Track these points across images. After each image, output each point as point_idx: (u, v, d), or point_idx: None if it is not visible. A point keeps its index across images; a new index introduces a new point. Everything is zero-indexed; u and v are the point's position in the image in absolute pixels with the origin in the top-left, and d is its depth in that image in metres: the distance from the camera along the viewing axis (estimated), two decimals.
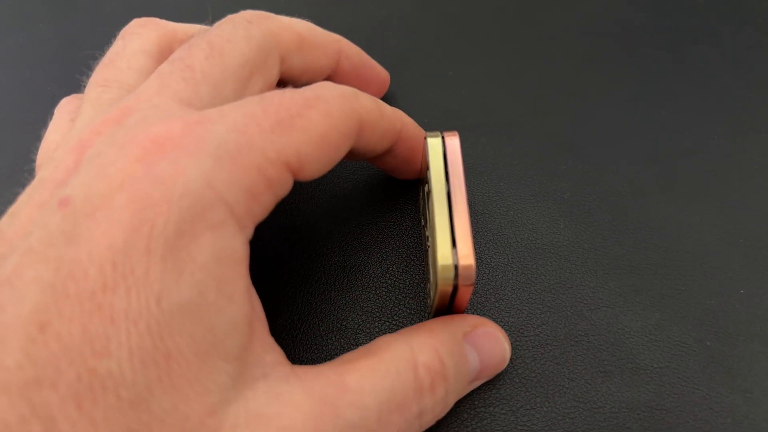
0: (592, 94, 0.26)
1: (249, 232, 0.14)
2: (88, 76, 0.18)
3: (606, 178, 0.24)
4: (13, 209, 0.14)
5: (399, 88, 0.27)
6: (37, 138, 0.25)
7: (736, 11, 0.29)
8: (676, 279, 0.21)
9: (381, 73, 0.23)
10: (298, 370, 0.14)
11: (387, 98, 0.26)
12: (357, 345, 0.20)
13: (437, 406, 0.16)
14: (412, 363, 0.15)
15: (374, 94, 0.23)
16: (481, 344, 0.18)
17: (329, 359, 0.19)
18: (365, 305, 0.21)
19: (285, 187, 0.15)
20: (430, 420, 0.16)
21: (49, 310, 0.12)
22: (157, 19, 0.19)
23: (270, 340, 0.15)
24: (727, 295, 0.21)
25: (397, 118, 0.19)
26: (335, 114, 0.15)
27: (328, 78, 0.21)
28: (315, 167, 0.15)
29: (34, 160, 0.18)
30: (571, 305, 0.20)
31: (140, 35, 0.19)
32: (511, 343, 0.20)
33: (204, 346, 0.12)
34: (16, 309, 0.12)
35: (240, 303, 0.13)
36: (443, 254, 0.15)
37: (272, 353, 0.14)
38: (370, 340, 0.20)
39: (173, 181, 0.13)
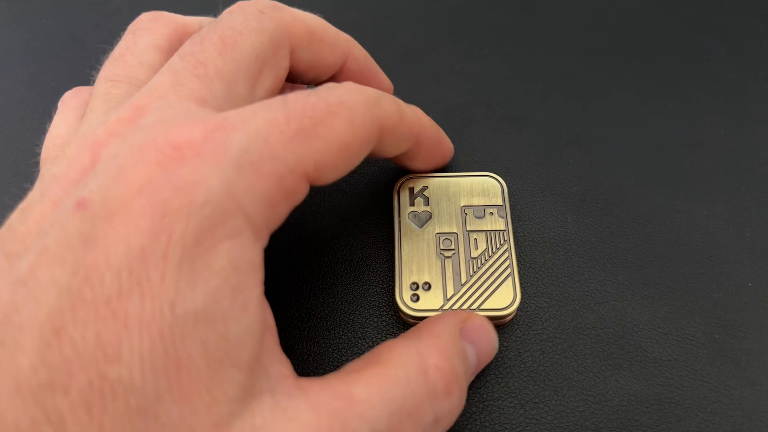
0: (598, 88, 0.26)
1: (265, 241, 0.14)
2: (97, 71, 0.18)
3: (613, 172, 0.24)
4: (24, 205, 0.14)
5: (405, 82, 0.27)
6: (42, 132, 0.25)
7: (742, 4, 0.29)
8: (683, 272, 0.21)
9: (384, 82, 0.23)
10: (303, 384, 0.14)
11: (395, 92, 0.26)
12: (364, 339, 0.20)
13: (454, 409, 0.15)
14: (422, 368, 0.15)
15: None
16: (475, 338, 0.18)
17: (336, 353, 0.19)
18: (372, 299, 0.21)
19: (301, 196, 0.15)
20: (448, 424, 0.16)
21: (65, 314, 0.12)
22: (167, 13, 0.19)
23: (278, 351, 0.15)
24: (735, 288, 0.21)
25: (416, 121, 0.18)
26: (357, 122, 0.15)
27: (334, 77, 0.21)
28: (333, 175, 0.15)
29: (38, 154, 0.18)
30: (579, 298, 0.20)
31: (151, 30, 0.18)
32: (520, 336, 0.20)
33: (216, 355, 0.12)
34: (32, 311, 0.12)
35: (254, 312, 0.13)
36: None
37: (279, 365, 0.14)
38: (378, 334, 0.20)
39: (194, 189, 0.12)
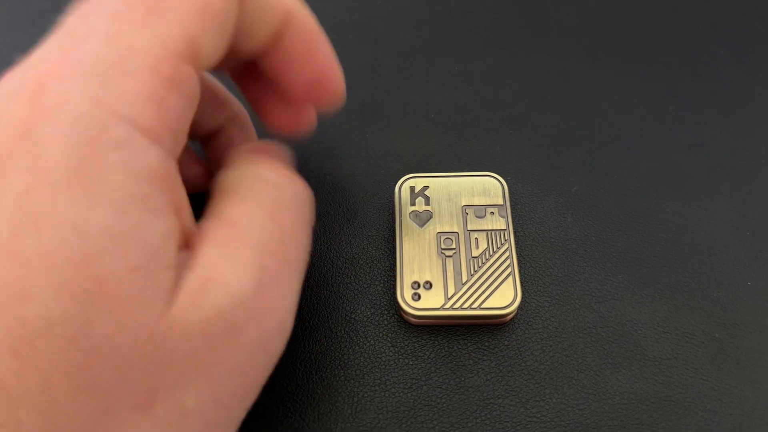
0: (599, 89, 0.26)
1: (167, 142, 0.13)
2: None
3: (613, 172, 0.24)
4: None
5: (406, 84, 0.27)
6: None
7: (742, 4, 0.29)
8: (683, 271, 0.21)
9: (336, 79, 0.18)
10: (195, 243, 0.15)
11: (394, 92, 0.27)
12: (366, 338, 0.20)
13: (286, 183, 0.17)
14: (262, 170, 0.17)
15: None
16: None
17: (338, 351, 0.20)
18: (374, 298, 0.21)
19: (190, 83, 0.14)
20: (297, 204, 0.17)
21: None
22: None
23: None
24: (734, 287, 0.21)
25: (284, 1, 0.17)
26: None
27: (264, 57, 0.18)
28: (210, 48, 0.14)
29: None
30: (580, 298, 0.21)
31: None
32: (520, 335, 0.20)
33: (138, 261, 0.12)
34: None
35: (166, 215, 0.13)
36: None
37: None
38: (379, 332, 0.20)
39: (60, 110, 0.12)
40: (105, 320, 0.12)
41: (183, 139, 0.14)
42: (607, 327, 0.20)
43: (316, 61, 0.17)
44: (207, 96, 0.20)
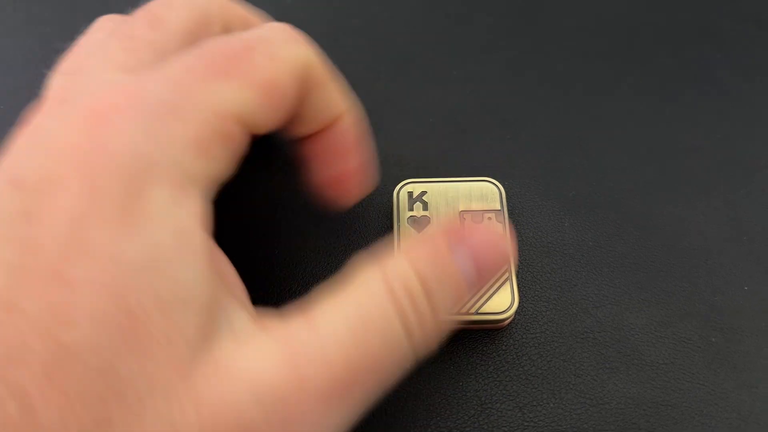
0: (595, 93, 0.27)
1: (204, 187, 0.14)
2: None
3: (610, 176, 0.24)
4: None
5: (404, 88, 0.27)
6: None
7: (738, 8, 0.30)
8: (680, 276, 0.21)
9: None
10: (265, 320, 0.14)
11: (392, 97, 0.27)
12: None
13: (425, 325, 0.14)
14: (386, 282, 0.14)
15: None
16: (471, 243, 0.15)
17: None
18: None
19: (239, 141, 0.14)
20: (423, 339, 0.14)
21: (13, 289, 0.12)
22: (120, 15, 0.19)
23: (242, 297, 0.15)
24: (731, 292, 0.21)
25: (344, 95, 0.17)
26: (281, 55, 0.15)
27: None
28: (266, 118, 0.15)
29: None
30: (576, 302, 0.21)
31: (103, 28, 0.18)
32: (518, 340, 0.20)
33: (167, 299, 0.12)
34: None
35: (201, 256, 0.13)
36: None
37: (237, 309, 0.14)
38: None
39: (115, 144, 0.13)
40: (131, 358, 0.12)
41: (216, 187, 0.15)
42: (604, 331, 0.20)
43: (347, 163, 0.18)
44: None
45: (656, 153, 0.24)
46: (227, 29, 0.18)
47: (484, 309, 0.19)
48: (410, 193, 0.22)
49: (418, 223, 0.21)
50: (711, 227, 0.22)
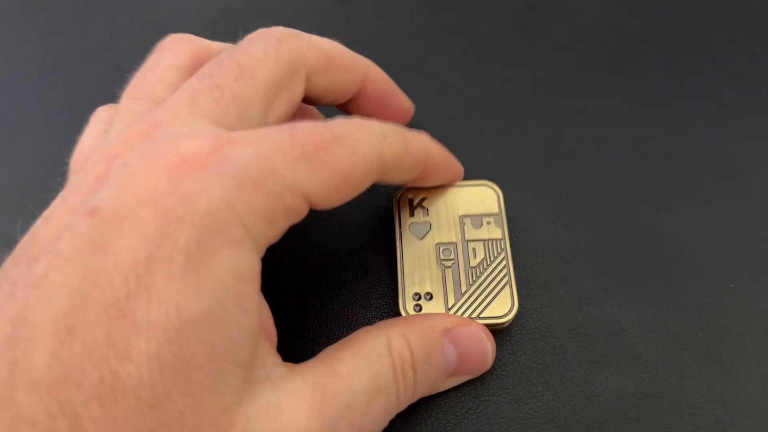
0: (588, 100, 0.28)
1: (262, 252, 0.15)
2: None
3: (602, 181, 0.25)
4: (47, 213, 0.15)
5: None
6: (53, 146, 0.26)
7: (728, 19, 0.30)
8: (669, 276, 0.22)
9: (405, 103, 0.24)
10: (294, 367, 0.16)
11: None
12: None
13: (407, 391, 0.17)
14: (389, 349, 0.17)
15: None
16: (461, 341, 0.19)
17: None
18: (377, 309, 0.22)
19: (300, 215, 0.15)
20: (404, 402, 0.17)
21: (76, 314, 0.12)
22: (191, 36, 0.20)
23: (273, 339, 0.16)
24: (718, 290, 0.22)
25: (422, 151, 0.19)
26: (360, 153, 0.16)
27: (352, 100, 0.22)
28: (332, 200, 0.16)
29: (68, 163, 0.19)
30: (570, 301, 0.22)
31: (173, 50, 0.19)
32: (514, 336, 0.21)
33: (219, 354, 0.13)
34: (45, 311, 0.12)
35: (253, 315, 0.14)
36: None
37: (272, 356, 0.16)
38: None
39: (197, 198, 0.13)
40: (180, 398, 0.13)
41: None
42: (596, 328, 0.21)
43: (448, 177, 0.22)
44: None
45: (648, 159, 0.25)
46: (310, 78, 0.19)
47: (486, 314, 0.20)
48: (411, 200, 0.23)
49: (420, 229, 0.22)
50: (698, 229, 0.23)
